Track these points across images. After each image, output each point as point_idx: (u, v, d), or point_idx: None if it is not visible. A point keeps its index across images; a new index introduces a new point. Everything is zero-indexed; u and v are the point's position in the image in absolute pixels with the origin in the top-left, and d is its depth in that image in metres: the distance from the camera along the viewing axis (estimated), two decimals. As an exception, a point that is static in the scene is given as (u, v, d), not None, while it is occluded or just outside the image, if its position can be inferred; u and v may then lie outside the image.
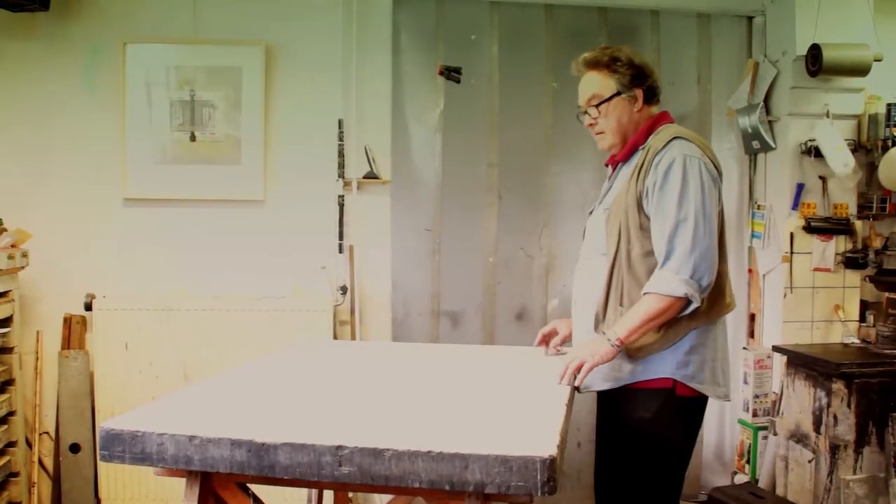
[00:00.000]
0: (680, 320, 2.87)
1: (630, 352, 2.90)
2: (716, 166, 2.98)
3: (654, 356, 2.92)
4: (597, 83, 3.07)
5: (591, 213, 3.20)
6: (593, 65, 3.08)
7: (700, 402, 3.03)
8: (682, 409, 2.97)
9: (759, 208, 5.28)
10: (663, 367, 2.92)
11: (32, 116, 4.74)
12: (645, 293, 2.82)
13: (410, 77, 5.11)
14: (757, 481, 4.99)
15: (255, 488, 2.42)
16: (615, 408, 3.08)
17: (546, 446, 1.93)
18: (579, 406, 5.20)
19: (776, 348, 4.90)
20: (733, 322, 5.37)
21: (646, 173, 2.91)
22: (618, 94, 3.04)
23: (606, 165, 3.24)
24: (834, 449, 4.33)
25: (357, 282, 4.87)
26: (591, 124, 3.12)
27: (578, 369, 2.81)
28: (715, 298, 2.94)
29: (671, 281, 2.77)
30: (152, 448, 2.06)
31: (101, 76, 4.76)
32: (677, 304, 2.79)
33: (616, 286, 2.95)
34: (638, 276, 2.91)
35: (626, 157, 3.08)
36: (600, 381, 3.00)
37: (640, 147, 3.03)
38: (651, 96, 3.12)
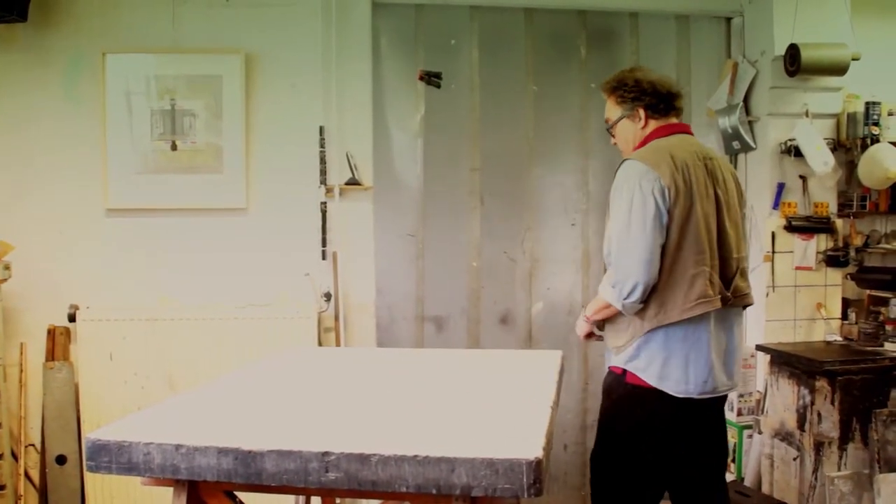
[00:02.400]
0: (636, 322, 3.18)
1: (613, 350, 3.29)
2: (684, 177, 3.15)
3: (622, 352, 3.25)
4: (609, 108, 3.46)
5: None
6: (606, 90, 3.47)
7: (649, 393, 3.20)
8: (632, 396, 3.24)
9: (740, 208, 5.30)
10: (618, 358, 3.26)
11: (12, 127, 4.72)
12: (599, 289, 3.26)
13: (391, 83, 5.12)
14: (743, 480, 5.01)
15: (243, 496, 2.42)
16: None
17: (532, 449, 1.94)
18: (565, 409, 5.24)
19: (759, 347, 4.92)
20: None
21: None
22: (622, 117, 3.40)
23: None
24: (818, 446, 4.35)
25: (341, 288, 4.87)
26: (614, 143, 3.54)
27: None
28: (665, 302, 3.13)
29: (604, 287, 3.20)
30: (139, 458, 2.06)
31: (81, 86, 4.74)
32: (611, 306, 3.19)
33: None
34: None
35: None
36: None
37: None
38: (654, 111, 3.36)
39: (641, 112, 3.35)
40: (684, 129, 3.41)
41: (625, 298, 3.09)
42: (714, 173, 3.26)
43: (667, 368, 3.15)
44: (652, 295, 3.11)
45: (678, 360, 3.15)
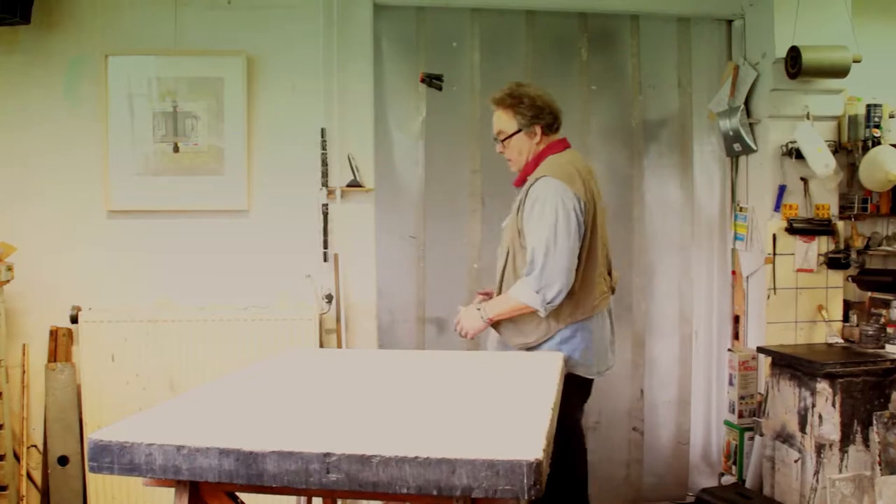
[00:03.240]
0: (549, 322, 3.58)
1: (515, 347, 3.65)
2: (588, 191, 3.63)
3: (537, 349, 3.63)
4: (504, 120, 3.68)
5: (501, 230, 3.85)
6: (500, 103, 3.68)
7: (572, 380, 3.55)
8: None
9: (741, 210, 5.31)
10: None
11: (14, 129, 4.73)
12: (510, 293, 3.58)
13: (392, 85, 5.13)
14: (744, 482, 5.01)
15: (244, 497, 2.43)
16: None
17: (532, 450, 1.94)
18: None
19: (761, 349, 4.93)
20: (717, 324, 5.42)
21: (523, 205, 3.59)
22: (519, 131, 3.66)
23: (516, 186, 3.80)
24: (819, 448, 4.36)
25: (342, 290, 4.87)
26: (500, 151, 3.76)
27: (464, 334, 3.76)
28: (580, 302, 3.60)
29: (524, 291, 3.51)
30: (141, 458, 2.06)
31: (83, 88, 4.75)
32: (527, 308, 3.54)
33: (505, 288, 3.67)
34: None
35: (521, 184, 3.69)
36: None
37: (530, 176, 3.64)
38: (549, 128, 3.73)
39: (538, 129, 3.68)
40: (569, 145, 3.83)
41: (548, 302, 3.49)
42: (596, 183, 3.79)
43: (586, 355, 3.64)
44: (566, 297, 3.52)
45: (594, 347, 3.67)
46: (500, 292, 3.72)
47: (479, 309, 3.68)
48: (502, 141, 3.66)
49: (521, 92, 3.65)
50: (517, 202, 3.66)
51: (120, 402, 4.53)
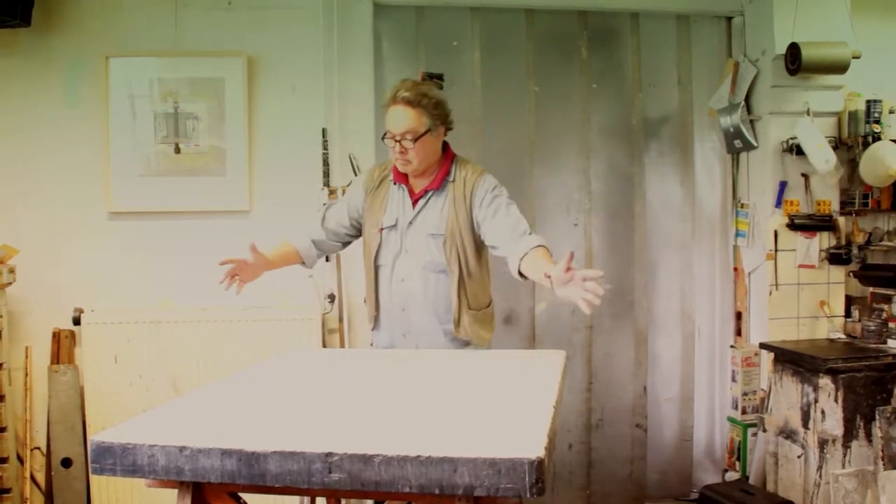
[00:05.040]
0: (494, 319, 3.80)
1: (475, 341, 3.66)
2: None
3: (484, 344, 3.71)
4: (412, 119, 3.51)
5: (391, 227, 3.66)
6: (412, 103, 3.52)
7: None
8: None
9: (742, 207, 5.31)
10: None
11: (15, 131, 4.74)
12: (538, 246, 3.38)
13: (393, 84, 5.11)
14: (747, 478, 5.01)
15: (247, 497, 2.43)
16: None
17: (534, 448, 1.94)
18: (569, 409, 5.24)
19: (763, 345, 4.93)
20: (719, 321, 5.42)
21: (471, 202, 3.57)
22: (428, 130, 3.54)
23: (396, 183, 3.69)
24: (822, 444, 4.36)
25: (344, 289, 4.88)
26: (402, 151, 3.54)
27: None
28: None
29: (541, 238, 3.45)
30: (143, 460, 2.06)
31: (84, 90, 4.76)
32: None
33: (464, 295, 3.61)
34: (477, 280, 3.65)
35: (438, 185, 3.63)
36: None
37: (449, 179, 3.63)
38: (448, 129, 3.68)
39: (443, 130, 3.63)
40: None
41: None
42: None
43: None
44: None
45: None
46: (458, 308, 3.61)
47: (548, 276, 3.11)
48: (412, 140, 3.50)
49: (429, 92, 3.60)
50: (455, 207, 3.58)
51: (123, 403, 4.54)
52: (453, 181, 3.62)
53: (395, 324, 3.71)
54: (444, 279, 3.59)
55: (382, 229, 3.65)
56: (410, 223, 3.62)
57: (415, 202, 3.63)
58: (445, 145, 3.72)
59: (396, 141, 3.52)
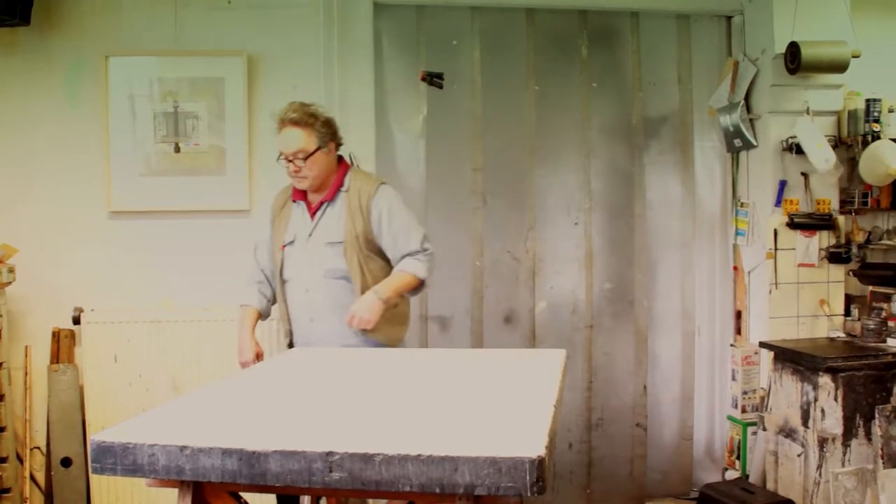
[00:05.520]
0: (408, 313, 3.99)
1: (389, 341, 3.80)
2: None
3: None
4: (302, 139, 3.69)
5: (291, 242, 3.84)
6: (299, 123, 3.70)
7: None
8: None
9: (742, 206, 5.31)
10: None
11: (15, 130, 4.74)
12: (401, 269, 3.78)
13: (393, 84, 5.13)
14: (747, 477, 5.01)
15: (247, 496, 2.43)
16: None
17: (535, 447, 1.94)
18: (569, 408, 5.24)
19: (763, 344, 4.93)
20: (719, 320, 5.43)
21: (368, 213, 3.76)
22: (319, 148, 3.71)
23: (295, 201, 3.88)
24: (822, 442, 4.36)
25: (344, 289, 4.87)
26: (296, 170, 3.72)
27: (364, 324, 3.66)
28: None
29: (419, 266, 3.77)
30: (143, 459, 2.06)
31: (84, 89, 4.76)
32: (416, 282, 3.78)
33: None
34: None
35: (332, 197, 3.80)
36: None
37: (342, 189, 3.81)
38: (338, 146, 3.87)
39: (333, 146, 3.81)
40: None
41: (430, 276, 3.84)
42: None
43: None
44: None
45: None
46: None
47: (375, 293, 3.67)
48: (304, 159, 3.68)
49: (316, 112, 3.76)
50: (351, 217, 3.76)
51: (123, 402, 4.53)
52: (347, 191, 3.80)
53: (307, 334, 3.82)
54: (347, 285, 3.74)
55: (285, 246, 3.83)
56: (310, 235, 3.79)
57: (312, 215, 3.82)
58: (340, 158, 3.91)
59: (289, 161, 3.70)
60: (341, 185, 3.82)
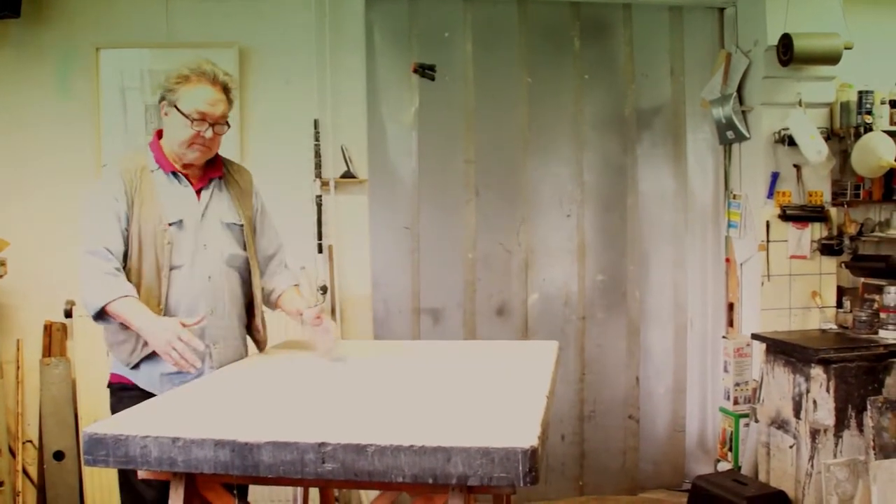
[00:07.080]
0: None
1: (264, 344, 3.43)
2: None
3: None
4: (227, 106, 3.19)
5: (177, 223, 3.09)
6: (226, 89, 3.20)
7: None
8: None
9: (734, 198, 5.32)
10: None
11: (5, 124, 4.72)
12: (296, 285, 3.47)
13: (385, 76, 5.12)
14: (740, 468, 5.02)
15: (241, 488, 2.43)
16: None
17: (527, 437, 1.94)
18: (561, 399, 5.25)
19: (755, 336, 4.94)
20: (712, 312, 5.44)
21: (248, 196, 3.36)
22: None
23: (169, 173, 3.18)
24: (814, 434, 4.37)
25: (337, 281, 4.88)
26: (211, 137, 3.14)
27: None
28: None
29: (295, 276, 3.53)
30: (136, 451, 2.06)
31: (75, 82, 4.74)
32: None
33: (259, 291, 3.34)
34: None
35: (223, 174, 3.31)
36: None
37: (224, 168, 3.33)
38: None
39: None
40: None
41: None
42: None
43: None
44: None
45: None
46: (257, 299, 3.35)
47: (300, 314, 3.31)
48: (222, 126, 3.17)
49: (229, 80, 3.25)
50: (239, 199, 3.31)
51: (115, 395, 4.52)
52: (228, 171, 3.33)
53: (204, 328, 3.08)
54: (237, 276, 3.25)
55: (171, 225, 3.07)
56: (203, 216, 3.17)
57: (198, 192, 3.20)
58: None
59: (210, 125, 3.11)
60: (222, 163, 3.31)
